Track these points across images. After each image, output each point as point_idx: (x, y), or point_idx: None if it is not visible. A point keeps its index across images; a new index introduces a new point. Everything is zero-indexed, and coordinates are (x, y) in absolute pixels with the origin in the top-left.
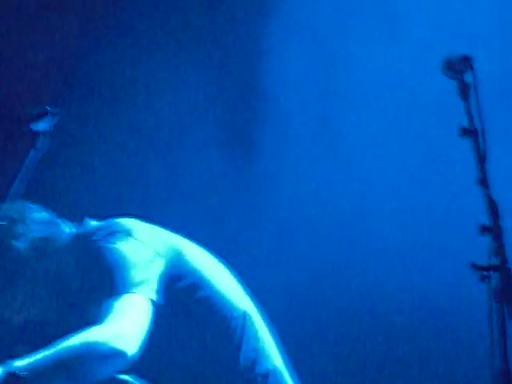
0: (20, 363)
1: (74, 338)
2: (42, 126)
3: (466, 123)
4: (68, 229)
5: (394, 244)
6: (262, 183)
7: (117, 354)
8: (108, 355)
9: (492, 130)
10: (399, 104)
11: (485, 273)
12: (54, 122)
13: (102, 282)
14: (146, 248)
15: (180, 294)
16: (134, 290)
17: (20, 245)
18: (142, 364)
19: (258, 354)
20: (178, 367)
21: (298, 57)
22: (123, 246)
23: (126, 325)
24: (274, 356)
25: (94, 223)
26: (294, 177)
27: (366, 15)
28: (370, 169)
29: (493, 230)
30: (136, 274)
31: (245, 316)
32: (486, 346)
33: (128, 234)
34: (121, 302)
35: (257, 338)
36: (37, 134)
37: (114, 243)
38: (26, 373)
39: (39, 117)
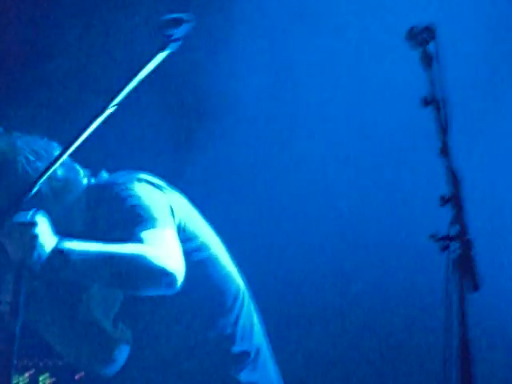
0: (72, 245)
1: (128, 245)
2: (175, 32)
3: (427, 93)
4: (86, 177)
5: (357, 216)
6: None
7: (166, 274)
8: (158, 272)
9: (453, 100)
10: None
11: (444, 243)
12: (186, 29)
13: (122, 222)
14: (165, 199)
15: (186, 255)
16: (163, 226)
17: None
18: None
19: (252, 327)
20: (177, 328)
21: (248, 54)
22: (145, 192)
23: (173, 250)
24: (262, 333)
25: (106, 175)
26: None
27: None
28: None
29: (453, 200)
30: (161, 214)
31: (243, 289)
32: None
33: (148, 182)
34: (157, 232)
35: (251, 313)
36: (168, 38)
37: (136, 189)
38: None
39: (174, 23)
